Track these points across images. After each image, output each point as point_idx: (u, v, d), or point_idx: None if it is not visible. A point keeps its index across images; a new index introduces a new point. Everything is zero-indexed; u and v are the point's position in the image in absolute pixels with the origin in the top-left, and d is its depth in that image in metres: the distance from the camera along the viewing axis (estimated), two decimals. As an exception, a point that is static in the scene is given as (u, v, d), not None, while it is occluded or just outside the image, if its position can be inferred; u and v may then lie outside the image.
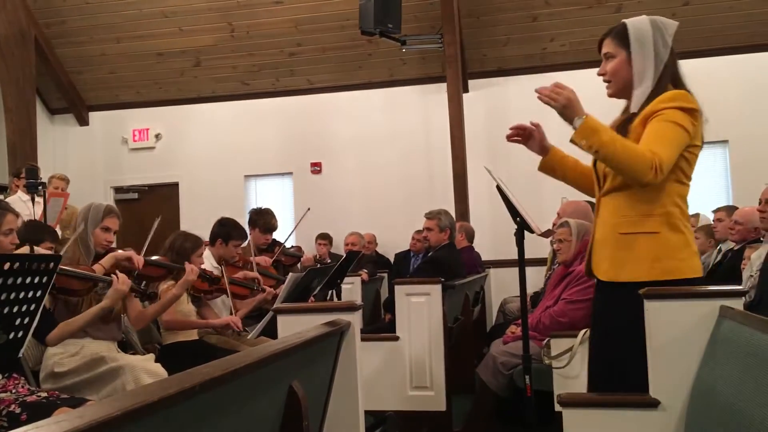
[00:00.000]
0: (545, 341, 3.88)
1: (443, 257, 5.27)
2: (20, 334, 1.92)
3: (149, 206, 9.35)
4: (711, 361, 2.04)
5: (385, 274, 7.69)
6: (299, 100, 9.00)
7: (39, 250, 3.34)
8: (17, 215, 2.90)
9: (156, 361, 3.26)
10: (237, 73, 8.96)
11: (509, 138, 2.68)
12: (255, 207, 5.67)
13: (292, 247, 6.10)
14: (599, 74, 2.54)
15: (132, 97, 9.39)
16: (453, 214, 6.04)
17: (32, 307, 1.92)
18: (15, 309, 1.86)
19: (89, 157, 9.46)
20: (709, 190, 7.85)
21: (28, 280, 1.87)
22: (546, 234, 3.48)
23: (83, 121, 9.57)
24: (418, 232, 7.21)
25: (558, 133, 2.70)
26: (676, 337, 2.13)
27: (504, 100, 8.37)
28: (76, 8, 8.45)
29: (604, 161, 2.38)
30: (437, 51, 8.01)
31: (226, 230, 4.47)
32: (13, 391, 2.60)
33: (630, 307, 2.30)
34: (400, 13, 7.20)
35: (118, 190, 9.54)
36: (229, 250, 4.46)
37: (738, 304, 2.08)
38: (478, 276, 6.48)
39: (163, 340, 3.88)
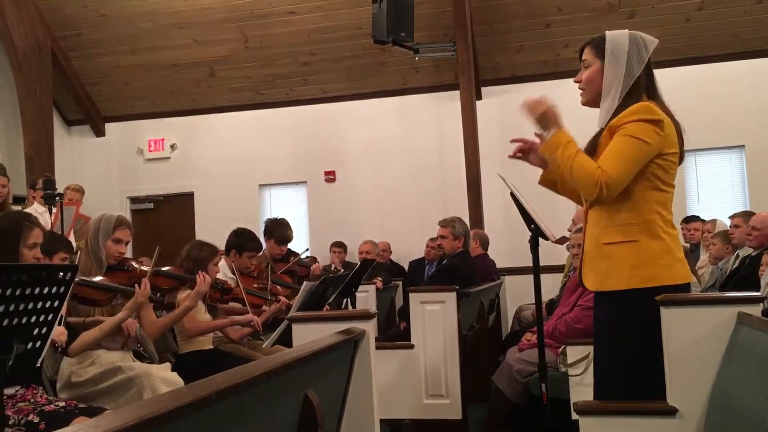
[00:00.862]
0: (561, 349, 3.87)
1: (458, 265, 5.25)
2: (38, 344, 1.94)
3: (165, 216, 9.43)
4: (729, 368, 2.02)
5: (400, 282, 7.69)
6: (313, 109, 9.04)
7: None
8: (43, 230, 2.91)
9: (172, 369, 3.27)
10: (251, 83, 9.02)
11: (511, 157, 2.75)
12: (271, 217, 5.65)
13: (307, 257, 6.10)
14: (575, 81, 2.57)
15: (147, 108, 9.48)
16: (467, 221, 6.03)
17: (50, 317, 1.94)
18: (33, 319, 1.88)
19: (106, 168, 9.55)
20: (725, 195, 7.75)
21: (46, 290, 1.89)
22: (560, 241, 3.46)
23: (99, 133, 9.67)
24: (433, 239, 7.20)
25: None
26: (694, 344, 2.12)
27: (517, 107, 8.31)
28: (91, 21, 8.55)
29: (563, 176, 2.42)
30: (450, 59, 8.01)
31: (240, 241, 4.49)
32: (32, 400, 2.62)
33: (615, 316, 2.36)
34: (412, 22, 7.21)
35: (134, 200, 9.61)
36: (243, 261, 4.48)
37: (756, 310, 2.06)
38: (493, 283, 6.45)
39: (180, 348, 3.90)
